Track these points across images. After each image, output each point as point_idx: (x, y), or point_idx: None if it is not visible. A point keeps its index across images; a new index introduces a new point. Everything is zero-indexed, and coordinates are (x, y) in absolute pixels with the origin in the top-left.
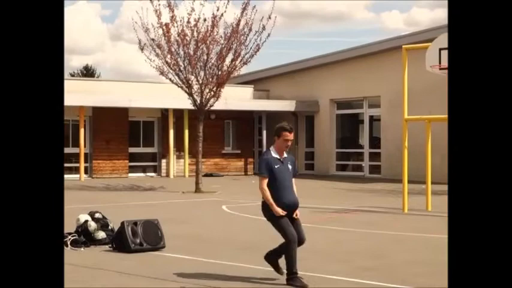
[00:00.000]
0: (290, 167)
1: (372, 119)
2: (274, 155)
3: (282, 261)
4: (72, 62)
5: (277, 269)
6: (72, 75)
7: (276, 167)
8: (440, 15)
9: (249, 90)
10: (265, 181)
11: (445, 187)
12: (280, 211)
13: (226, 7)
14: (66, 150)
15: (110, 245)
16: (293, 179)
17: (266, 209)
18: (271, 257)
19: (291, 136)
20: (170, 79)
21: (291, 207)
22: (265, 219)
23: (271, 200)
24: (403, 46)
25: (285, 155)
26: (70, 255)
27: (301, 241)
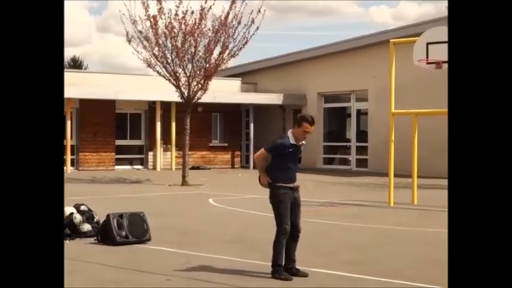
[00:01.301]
0: (300, 155)
1: (359, 112)
2: (292, 141)
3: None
4: None
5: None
6: None
7: (290, 150)
8: (428, 9)
9: (236, 83)
10: (264, 155)
11: (431, 181)
12: (266, 181)
13: (214, 0)
14: None
15: (95, 238)
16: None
17: (273, 196)
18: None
19: (311, 129)
20: (158, 71)
21: (292, 190)
22: (254, 212)
23: (262, 173)
24: (391, 40)
25: (301, 143)
26: None
27: (296, 231)
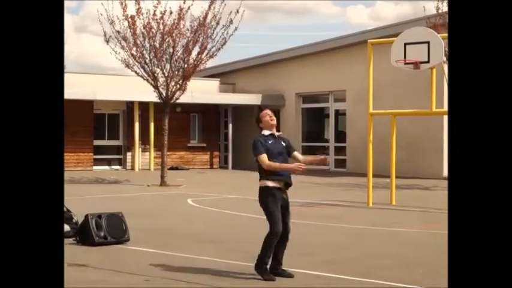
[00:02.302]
0: (284, 144)
1: (338, 113)
2: (266, 133)
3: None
4: None
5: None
6: None
7: (269, 142)
8: (405, 10)
9: (215, 83)
10: (265, 156)
11: (409, 181)
12: (295, 166)
13: (193, 0)
14: None
15: (74, 238)
16: (297, 154)
17: (262, 195)
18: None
19: (267, 111)
20: (136, 72)
21: (286, 179)
22: (235, 213)
23: (283, 166)
24: (369, 41)
25: (277, 133)
26: None
27: (285, 232)
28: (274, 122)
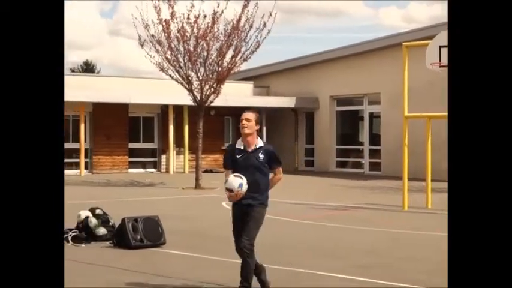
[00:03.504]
0: (261, 156)
1: (372, 115)
2: (238, 146)
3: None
4: (70, 57)
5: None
6: (72, 71)
7: (237, 157)
8: (438, 11)
9: (248, 86)
10: (228, 173)
11: (445, 184)
12: (232, 195)
13: (226, 3)
14: (67, 145)
15: (111, 241)
16: (279, 171)
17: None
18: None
19: (243, 115)
20: (170, 75)
21: (244, 206)
22: (267, 216)
23: (228, 190)
24: (403, 43)
25: (258, 145)
26: (71, 251)
27: (238, 248)
28: (246, 130)
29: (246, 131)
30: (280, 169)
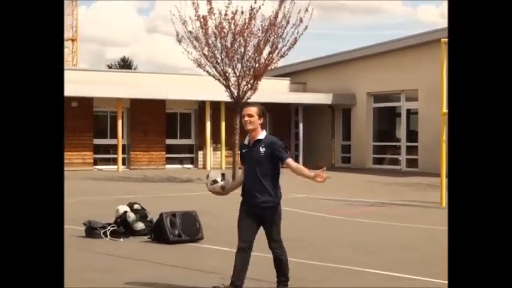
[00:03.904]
0: (262, 150)
1: (409, 112)
2: (245, 141)
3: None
4: (109, 54)
5: None
6: (110, 67)
7: (243, 151)
8: None
9: (285, 82)
10: (242, 170)
11: None
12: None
13: (264, 0)
14: (105, 141)
15: (149, 236)
16: (290, 162)
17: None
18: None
19: (245, 111)
20: (207, 71)
21: (253, 206)
22: (304, 211)
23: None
24: (442, 40)
25: (260, 137)
26: (109, 245)
27: (271, 249)
28: (249, 126)
29: (249, 126)
30: (290, 159)
